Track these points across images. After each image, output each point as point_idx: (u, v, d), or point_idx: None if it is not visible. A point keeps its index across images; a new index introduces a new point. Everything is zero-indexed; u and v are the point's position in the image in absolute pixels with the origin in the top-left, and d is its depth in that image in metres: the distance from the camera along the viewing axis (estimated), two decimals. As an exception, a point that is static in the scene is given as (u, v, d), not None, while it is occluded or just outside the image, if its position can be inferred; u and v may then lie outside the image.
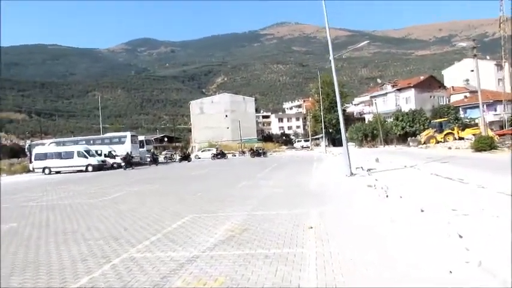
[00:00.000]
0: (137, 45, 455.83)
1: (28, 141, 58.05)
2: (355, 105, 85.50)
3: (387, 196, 10.09)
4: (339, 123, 63.58)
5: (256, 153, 45.92)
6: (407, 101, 61.62)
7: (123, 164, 34.17)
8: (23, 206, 13.01)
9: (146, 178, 22.65)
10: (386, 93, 65.24)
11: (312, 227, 7.17)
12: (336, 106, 64.56)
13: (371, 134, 55.31)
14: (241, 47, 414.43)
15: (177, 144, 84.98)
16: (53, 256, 6.30)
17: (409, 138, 48.38)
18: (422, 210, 7.67)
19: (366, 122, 64.28)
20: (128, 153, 35.22)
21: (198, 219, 8.76)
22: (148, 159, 40.90)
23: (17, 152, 76.28)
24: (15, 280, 5.18)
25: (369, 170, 17.47)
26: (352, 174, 16.20)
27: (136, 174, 26.82)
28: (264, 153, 46.43)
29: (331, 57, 16.97)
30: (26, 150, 49.66)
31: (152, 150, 45.36)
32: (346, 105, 74.18)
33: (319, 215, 8.30)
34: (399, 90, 64.23)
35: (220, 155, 45.60)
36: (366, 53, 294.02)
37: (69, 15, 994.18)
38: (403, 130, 52.44)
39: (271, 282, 4.54)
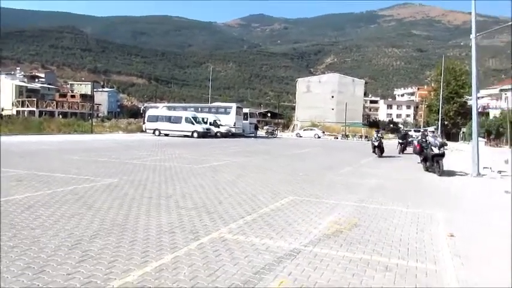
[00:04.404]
0: (252, 21, 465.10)
1: (145, 104, 62.63)
2: (478, 98, 76.41)
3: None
4: (456, 115, 56.37)
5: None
6: (547, 98, 52.85)
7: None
8: (128, 163, 13.31)
9: (247, 151, 22.33)
10: (520, 87, 56.80)
11: (453, 235, 5.67)
12: (456, 97, 58.09)
13: (495, 131, 48.73)
14: (356, 28, 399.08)
15: (279, 120, 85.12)
16: (140, 222, 5.79)
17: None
18: None
19: (491, 117, 56.95)
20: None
21: (300, 203, 7.74)
22: (253, 133, 42.77)
23: (136, 113, 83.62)
24: (97, 244, 4.68)
25: (500, 172, 14.76)
26: (479, 174, 13.76)
27: (237, 145, 26.79)
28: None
29: (472, 36, 14.37)
30: (141, 111, 53.53)
31: (255, 124, 45.62)
32: (468, 97, 66.65)
33: (448, 222, 6.68)
34: (538, 84, 55.35)
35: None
36: (497, 41, 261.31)
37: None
38: (538, 131, 45.14)
39: (399, 311, 3.31)
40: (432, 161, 13.90)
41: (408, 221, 6.61)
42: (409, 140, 26.07)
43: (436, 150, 13.60)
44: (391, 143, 32.19)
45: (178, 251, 4.53)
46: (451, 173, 14.15)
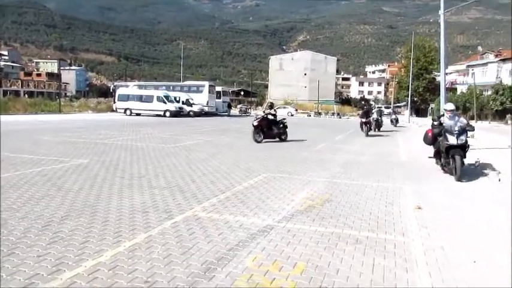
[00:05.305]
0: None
1: (115, 83, 61.07)
2: (446, 74, 78.31)
3: (499, 180, 8.38)
4: (425, 91, 57.53)
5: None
6: (512, 73, 54.59)
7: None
8: (98, 143, 13.04)
9: (220, 129, 22.27)
10: (486, 63, 58.38)
11: (420, 208, 5.89)
12: (425, 73, 59.28)
13: (462, 107, 50.32)
14: (327, 5, 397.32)
15: (252, 99, 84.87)
16: (113, 202, 5.73)
17: (508, 115, 43.06)
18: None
19: (458, 93, 58.62)
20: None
21: (273, 180, 7.82)
22: (226, 112, 42.89)
23: (105, 92, 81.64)
24: (67, 225, 4.60)
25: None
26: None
27: (211, 124, 26.65)
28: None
29: (440, 12, 14.61)
30: (111, 90, 52.27)
31: (228, 102, 45.39)
32: (436, 73, 68.27)
33: (417, 194, 6.93)
34: (503, 60, 57.00)
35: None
36: (465, 18, 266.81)
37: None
38: (502, 106, 46.68)
39: (369, 279, 3.43)
40: (448, 156, 8.68)
41: (378, 194, 6.80)
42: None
43: (452, 140, 8.41)
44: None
45: (151, 231, 4.52)
46: (474, 176, 8.98)
